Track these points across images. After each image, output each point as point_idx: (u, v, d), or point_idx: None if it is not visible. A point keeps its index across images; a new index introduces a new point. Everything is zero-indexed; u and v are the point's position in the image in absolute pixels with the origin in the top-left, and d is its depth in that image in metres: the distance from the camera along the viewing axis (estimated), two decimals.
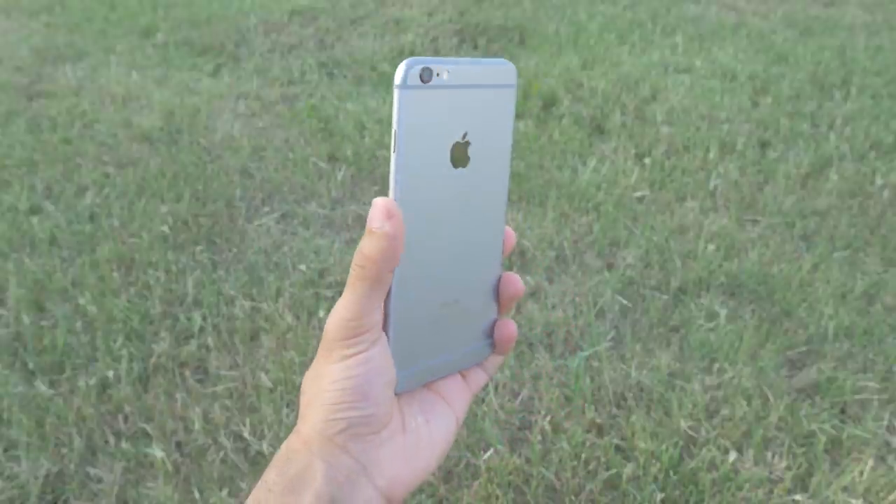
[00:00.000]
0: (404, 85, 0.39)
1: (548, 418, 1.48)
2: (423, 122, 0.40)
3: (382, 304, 0.40)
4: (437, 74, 0.39)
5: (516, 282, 0.47)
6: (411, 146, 0.39)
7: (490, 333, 0.46)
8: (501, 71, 0.43)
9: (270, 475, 0.39)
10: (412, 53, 3.66)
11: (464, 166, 0.42)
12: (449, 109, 0.40)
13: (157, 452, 1.41)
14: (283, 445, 0.41)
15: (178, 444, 1.46)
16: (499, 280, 0.46)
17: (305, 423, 0.40)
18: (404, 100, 0.39)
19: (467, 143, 0.42)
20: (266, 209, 2.27)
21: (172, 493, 1.34)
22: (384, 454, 0.40)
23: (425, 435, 0.43)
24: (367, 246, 0.39)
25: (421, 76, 0.39)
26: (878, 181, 2.46)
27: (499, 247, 0.45)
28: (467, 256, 0.44)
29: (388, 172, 2.44)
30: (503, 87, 0.43)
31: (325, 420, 0.39)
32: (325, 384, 0.39)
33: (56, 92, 3.16)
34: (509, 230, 0.47)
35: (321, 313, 1.76)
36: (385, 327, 0.41)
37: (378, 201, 0.39)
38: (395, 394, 0.42)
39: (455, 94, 0.40)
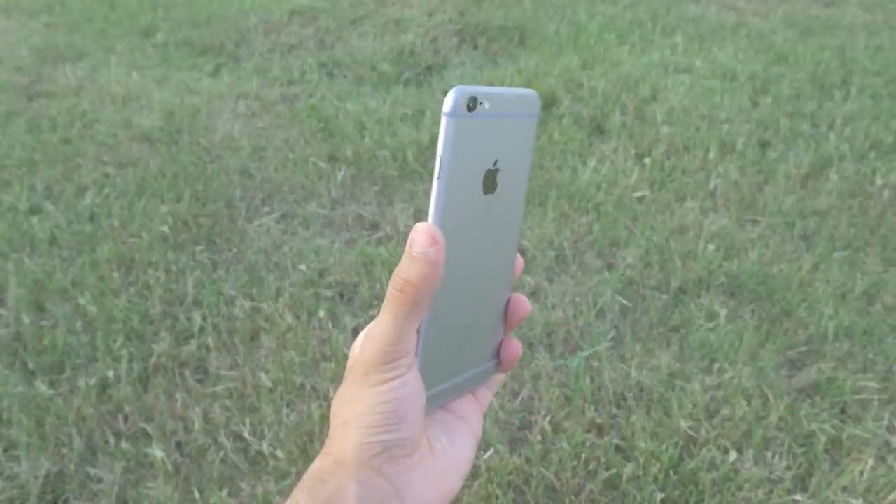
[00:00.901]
0: (453, 113, 0.39)
1: (548, 418, 1.48)
2: (465, 151, 0.40)
3: (416, 332, 0.41)
4: (481, 103, 0.40)
5: (525, 303, 0.48)
6: (453, 173, 0.40)
7: (496, 353, 0.47)
8: (528, 100, 0.44)
9: (301, 496, 0.39)
10: (412, 53, 3.65)
11: (492, 193, 0.43)
12: (486, 138, 0.41)
13: (157, 452, 1.41)
14: (314, 467, 0.41)
15: (178, 444, 1.46)
16: (508, 301, 0.47)
17: (338, 445, 0.40)
18: (451, 128, 0.39)
19: (497, 171, 0.43)
20: (266, 209, 2.28)
21: (172, 493, 1.35)
22: (416, 477, 0.40)
23: (452, 456, 0.43)
24: (408, 270, 0.39)
25: (468, 105, 0.40)
26: (878, 181, 2.46)
27: (512, 269, 0.47)
28: (487, 280, 0.45)
29: (389, 173, 2.45)
30: (529, 116, 0.44)
31: (360, 443, 0.39)
32: (362, 408, 0.39)
33: (56, 92, 3.16)
34: (518, 256, 0.48)
35: (321, 313, 1.76)
36: (416, 352, 0.42)
37: (422, 226, 0.39)
38: None
39: (492, 123, 0.41)
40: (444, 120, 0.39)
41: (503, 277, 0.46)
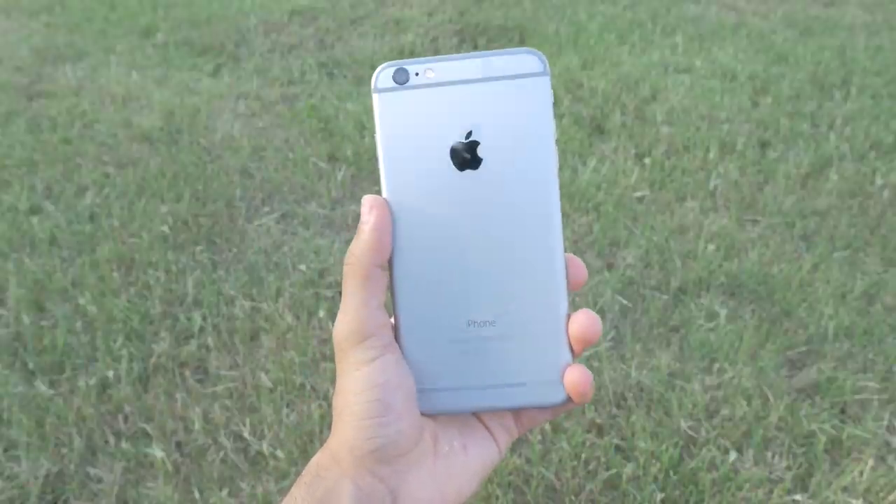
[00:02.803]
0: (376, 88, 0.39)
1: None
2: (407, 124, 0.39)
3: (382, 308, 0.39)
4: (417, 74, 0.39)
5: (587, 320, 0.39)
6: (395, 148, 0.39)
7: (561, 376, 0.40)
8: (517, 60, 0.39)
9: (299, 491, 0.39)
10: (412, 53, 3.65)
11: (472, 168, 0.39)
12: (442, 108, 0.39)
13: (157, 452, 1.41)
14: (313, 461, 0.40)
15: (178, 444, 1.46)
16: (567, 317, 0.40)
17: (335, 440, 0.39)
18: (377, 103, 0.39)
19: (475, 143, 0.39)
20: (266, 209, 2.28)
21: (172, 493, 1.35)
22: (414, 478, 0.39)
23: (460, 461, 0.41)
24: (353, 243, 0.39)
25: (394, 78, 0.39)
26: (878, 181, 2.46)
27: (556, 271, 0.40)
28: (503, 274, 0.39)
29: None
30: (523, 76, 0.38)
31: (353, 439, 0.38)
32: (348, 398, 0.38)
33: (56, 92, 3.16)
34: (578, 262, 0.40)
35: (321, 313, 1.76)
36: (397, 338, 0.40)
37: (364, 197, 0.39)
38: (421, 414, 0.40)
39: (448, 91, 0.39)
40: (372, 97, 0.39)
41: (541, 278, 0.39)
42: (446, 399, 0.41)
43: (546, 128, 0.39)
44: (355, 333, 0.39)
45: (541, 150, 0.39)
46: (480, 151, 0.39)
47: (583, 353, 0.41)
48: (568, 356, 0.40)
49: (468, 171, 0.39)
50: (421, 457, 0.40)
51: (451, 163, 0.39)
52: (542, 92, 0.39)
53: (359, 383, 0.38)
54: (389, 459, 0.38)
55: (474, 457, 0.41)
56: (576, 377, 0.39)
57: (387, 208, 0.39)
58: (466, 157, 0.39)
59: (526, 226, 0.40)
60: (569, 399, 0.40)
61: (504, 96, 0.39)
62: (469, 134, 0.39)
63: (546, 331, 0.40)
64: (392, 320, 0.41)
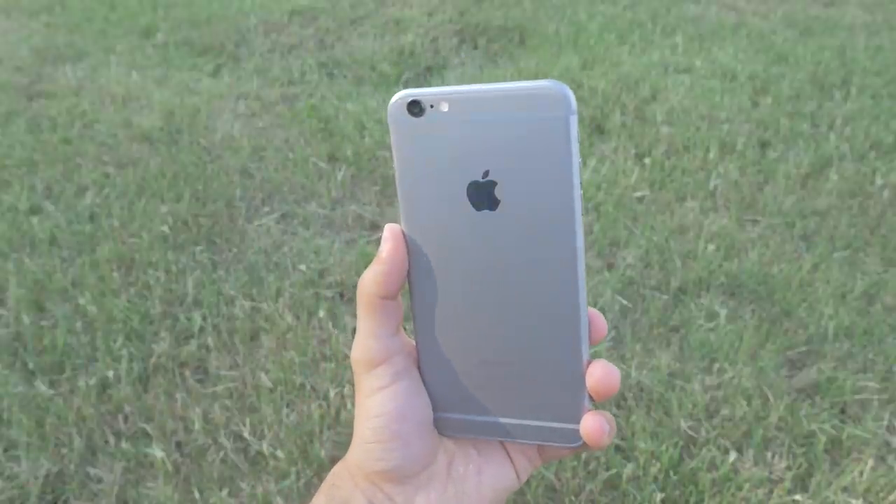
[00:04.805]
0: (390, 117, 0.37)
1: None
2: (423, 157, 0.37)
3: (394, 335, 0.39)
4: (432, 107, 0.37)
5: (601, 373, 0.37)
6: (412, 179, 0.38)
7: (579, 422, 0.39)
8: (541, 97, 0.35)
9: (320, 499, 0.40)
10: (412, 53, 3.65)
11: (490, 209, 0.37)
12: (459, 145, 0.37)
13: (157, 452, 1.41)
14: (334, 469, 0.41)
15: (178, 444, 1.46)
16: (586, 365, 0.38)
17: (351, 452, 0.40)
18: (392, 132, 0.38)
19: (492, 183, 0.37)
20: (266, 209, 2.27)
21: (172, 493, 1.35)
22: (423, 499, 0.39)
23: (473, 485, 0.40)
24: (366, 270, 0.39)
25: (409, 110, 0.37)
26: (878, 181, 2.46)
27: (575, 320, 0.38)
28: (517, 316, 0.38)
29: (389, 173, 2.45)
30: (546, 118, 0.35)
31: (362, 460, 0.39)
32: (360, 421, 0.39)
33: (56, 92, 3.16)
34: (599, 318, 0.39)
35: (321, 313, 1.76)
36: (418, 360, 0.40)
37: (386, 226, 0.39)
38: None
39: (465, 127, 0.37)
40: (388, 124, 0.38)
41: (557, 324, 0.38)
42: (461, 426, 0.41)
43: (567, 172, 0.35)
44: (365, 362, 0.39)
45: (562, 196, 0.36)
46: (498, 192, 0.37)
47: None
48: (586, 401, 0.38)
49: (486, 211, 0.37)
50: (432, 479, 0.40)
51: (468, 201, 0.37)
52: (564, 133, 0.35)
53: (369, 409, 0.39)
54: (398, 480, 0.39)
55: (488, 481, 0.41)
56: (590, 426, 0.38)
57: (402, 240, 0.38)
58: (483, 197, 0.37)
59: (544, 272, 0.37)
60: (585, 443, 0.39)
61: (524, 137, 0.36)
62: (486, 173, 0.37)
63: (570, 380, 0.38)
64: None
